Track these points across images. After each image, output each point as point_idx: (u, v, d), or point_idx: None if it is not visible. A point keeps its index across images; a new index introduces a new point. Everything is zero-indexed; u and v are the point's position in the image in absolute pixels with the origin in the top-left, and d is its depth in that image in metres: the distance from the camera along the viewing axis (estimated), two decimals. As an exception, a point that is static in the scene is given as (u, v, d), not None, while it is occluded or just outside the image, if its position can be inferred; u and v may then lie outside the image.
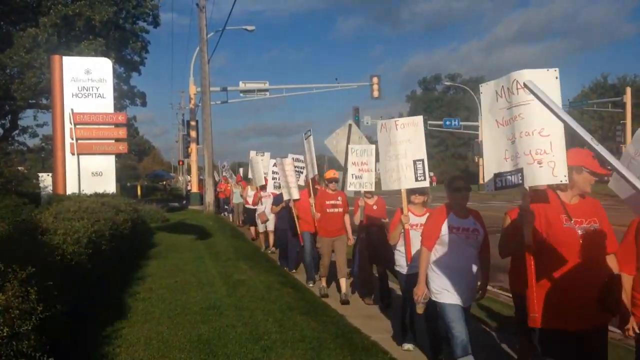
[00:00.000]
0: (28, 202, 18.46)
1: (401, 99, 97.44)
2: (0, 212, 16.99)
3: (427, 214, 5.57)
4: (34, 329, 3.85)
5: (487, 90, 3.81)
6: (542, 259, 3.52)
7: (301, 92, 36.82)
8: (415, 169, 5.82)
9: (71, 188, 16.55)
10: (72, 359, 4.85)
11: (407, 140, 5.91)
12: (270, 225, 13.04)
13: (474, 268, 4.58)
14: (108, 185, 16.80)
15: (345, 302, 8.05)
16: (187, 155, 33.95)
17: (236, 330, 6.10)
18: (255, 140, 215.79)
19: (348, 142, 13.15)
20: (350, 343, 5.87)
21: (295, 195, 9.95)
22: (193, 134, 31.15)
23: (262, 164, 14.29)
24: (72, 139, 16.74)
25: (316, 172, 9.46)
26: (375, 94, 34.39)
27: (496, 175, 3.70)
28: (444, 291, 4.53)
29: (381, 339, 6.18)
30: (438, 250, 4.60)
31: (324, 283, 8.78)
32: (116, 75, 22.47)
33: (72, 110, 16.71)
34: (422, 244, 4.68)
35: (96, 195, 13.69)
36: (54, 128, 17.05)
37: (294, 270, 10.86)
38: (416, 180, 5.82)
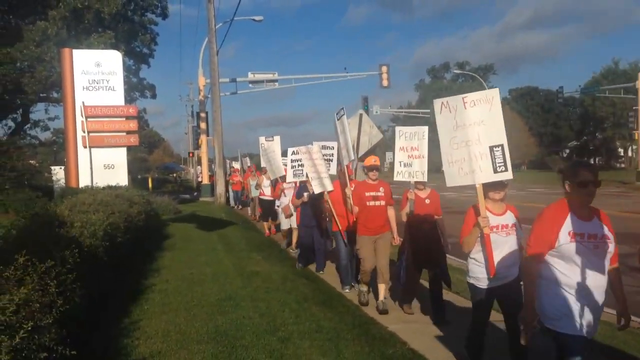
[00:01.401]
0: (41, 195, 18.69)
1: (410, 87, 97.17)
2: (14, 205, 17.22)
3: (508, 212, 4.68)
4: (55, 322, 3.85)
5: None
6: None
7: (310, 82, 36.70)
8: (493, 158, 4.66)
9: (84, 181, 16.65)
10: (92, 351, 4.86)
11: (481, 121, 4.73)
12: (294, 223, 11.56)
13: (603, 287, 3.62)
14: (120, 177, 16.86)
15: (383, 312, 6.97)
16: (197, 146, 34.03)
17: (253, 322, 6.11)
18: (264, 130, 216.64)
19: (359, 132, 13.14)
20: (368, 333, 5.86)
21: (329, 186, 8.59)
22: (203, 125, 31.22)
23: (271, 154, 13.19)
24: (84, 132, 16.82)
25: (352, 158, 8.00)
26: (385, 83, 34.26)
27: None
28: (563, 317, 3.58)
29: (398, 329, 6.16)
30: (554, 263, 3.63)
31: (364, 288, 7.49)
32: (125, 67, 22.48)
33: (83, 103, 16.77)
34: (530, 253, 3.69)
35: (109, 187, 13.70)
36: (66, 121, 17.12)
37: (321, 272, 9.71)
38: (495, 171, 4.63)
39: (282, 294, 7.49)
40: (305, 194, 9.56)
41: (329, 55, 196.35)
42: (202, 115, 31.38)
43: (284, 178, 12.05)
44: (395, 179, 6.99)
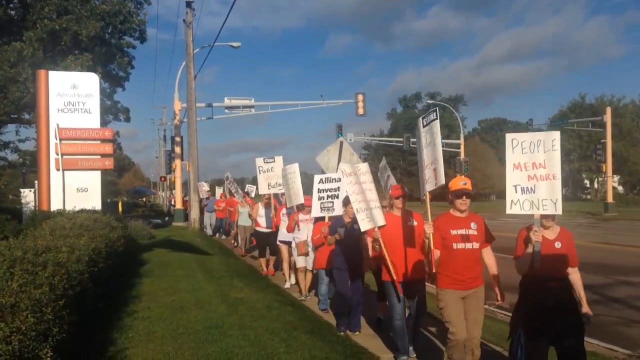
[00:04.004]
0: (10, 219, 18.18)
1: (385, 116, 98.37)
2: (-18, 229, 16.65)
3: None
4: (51, 352, 3.69)
5: None
6: None
7: (286, 109, 36.88)
8: None
9: (55, 204, 16.23)
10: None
11: None
12: (310, 263, 9.83)
13: None
14: (93, 201, 16.48)
15: None
16: (171, 171, 33.66)
17: (244, 351, 5.98)
18: (237, 156, 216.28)
19: (339, 159, 13.18)
20: (361, 363, 5.77)
21: (381, 219, 6.17)
22: (177, 150, 30.94)
23: (290, 175, 10.30)
24: (57, 154, 16.46)
25: (443, 182, 5.18)
26: (360, 111, 34.54)
27: None
28: None
29: (390, 359, 6.10)
30: None
31: None
32: (101, 90, 22.20)
33: (57, 125, 16.44)
34: None
35: (85, 211, 13.40)
36: (39, 143, 16.77)
37: (357, 332, 7.35)
38: None
39: (269, 322, 7.36)
40: (340, 230, 7.43)
41: (306, 83, 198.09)
42: (177, 139, 31.12)
43: (300, 207, 10.01)
44: (509, 211, 4.82)
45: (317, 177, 9.06)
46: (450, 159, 67.86)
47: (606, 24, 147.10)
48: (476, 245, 5.14)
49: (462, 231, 5.12)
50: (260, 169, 11.91)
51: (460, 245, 5.09)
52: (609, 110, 40.23)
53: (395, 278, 5.92)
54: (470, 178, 5.53)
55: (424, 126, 5.48)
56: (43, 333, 3.78)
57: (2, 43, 22.38)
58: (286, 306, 8.67)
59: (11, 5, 22.77)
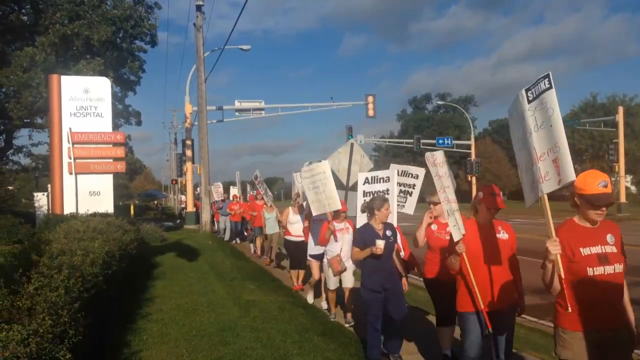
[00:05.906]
0: (24, 222, 18.35)
1: (395, 117, 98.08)
2: (-3, 232, 16.83)
3: None
4: (68, 354, 3.74)
5: None
6: None
7: (296, 111, 36.93)
8: None
9: (68, 208, 16.36)
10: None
11: None
12: (349, 281, 7.99)
13: None
14: (106, 204, 16.58)
15: None
16: (182, 174, 33.82)
17: (256, 353, 6.01)
18: (248, 158, 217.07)
19: (350, 161, 13.19)
20: (375, 365, 5.77)
21: (462, 227, 4.60)
22: (189, 153, 31.10)
23: (320, 176, 8.57)
24: (70, 158, 16.57)
25: (573, 176, 3.30)
26: (371, 112, 34.57)
27: None
28: None
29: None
30: None
31: None
32: (112, 94, 22.29)
33: (70, 129, 16.59)
34: None
35: (99, 215, 13.51)
36: (52, 147, 16.90)
37: (397, 356, 6.07)
38: None
39: (282, 324, 7.39)
40: (380, 242, 5.71)
41: (318, 85, 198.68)
42: (188, 142, 31.27)
43: (337, 214, 8.15)
44: None
45: (361, 176, 7.58)
46: (461, 160, 67.75)
47: (622, 23, 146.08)
48: (619, 268, 3.52)
49: (597, 249, 3.51)
50: (303, 173, 9.66)
51: (598, 270, 3.46)
52: (621, 109, 39.87)
53: (482, 307, 4.47)
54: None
55: (529, 101, 3.62)
56: (59, 335, 3.83)
57: (14, 48, 22.65)
58: (298, 308, 8.69)
59: (23, 10, 23.04)
